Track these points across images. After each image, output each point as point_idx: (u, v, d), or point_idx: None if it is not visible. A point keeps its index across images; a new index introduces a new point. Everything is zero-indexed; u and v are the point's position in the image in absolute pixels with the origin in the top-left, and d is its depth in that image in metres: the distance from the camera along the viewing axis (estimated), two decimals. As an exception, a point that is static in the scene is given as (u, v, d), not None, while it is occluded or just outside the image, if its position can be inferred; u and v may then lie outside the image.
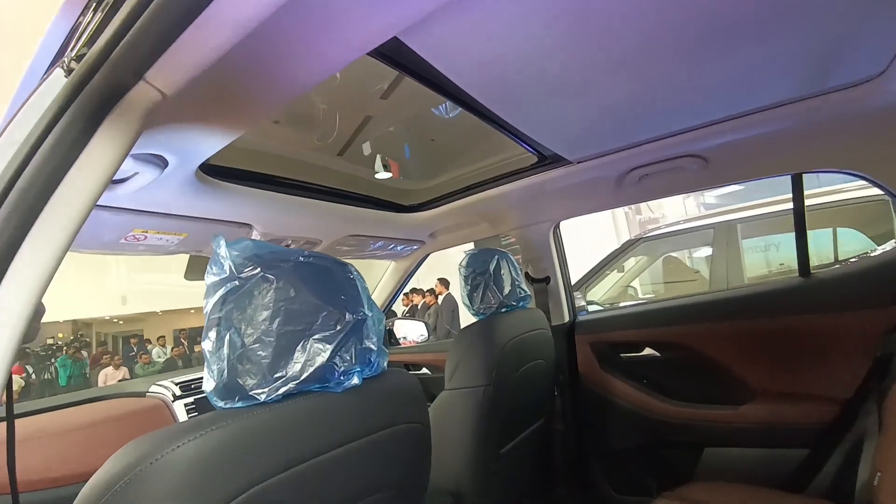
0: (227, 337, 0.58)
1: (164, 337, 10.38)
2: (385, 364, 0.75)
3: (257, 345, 0.58)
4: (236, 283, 0.59)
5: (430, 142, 1.71)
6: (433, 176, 1.72)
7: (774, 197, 3.28)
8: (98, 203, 0.86)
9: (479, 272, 1.41)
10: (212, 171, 1.07)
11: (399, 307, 7.50)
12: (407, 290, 7.58)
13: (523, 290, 1.47)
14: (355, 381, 0.64)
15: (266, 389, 0.57)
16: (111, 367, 8.05)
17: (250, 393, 0.57)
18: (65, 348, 8.28)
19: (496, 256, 1.43)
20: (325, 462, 0.59)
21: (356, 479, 0.63)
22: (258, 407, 0.56)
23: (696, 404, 1.51)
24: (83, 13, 0.50)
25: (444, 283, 6.65)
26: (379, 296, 2.26)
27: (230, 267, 0.60)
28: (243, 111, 0.73)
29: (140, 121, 0.53)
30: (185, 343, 10.35)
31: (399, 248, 1.96)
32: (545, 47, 0.77)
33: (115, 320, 11.70)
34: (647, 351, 1.61)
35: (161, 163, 0.84)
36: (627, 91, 0.97)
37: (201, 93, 0.62)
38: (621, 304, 3.14)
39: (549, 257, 1.76)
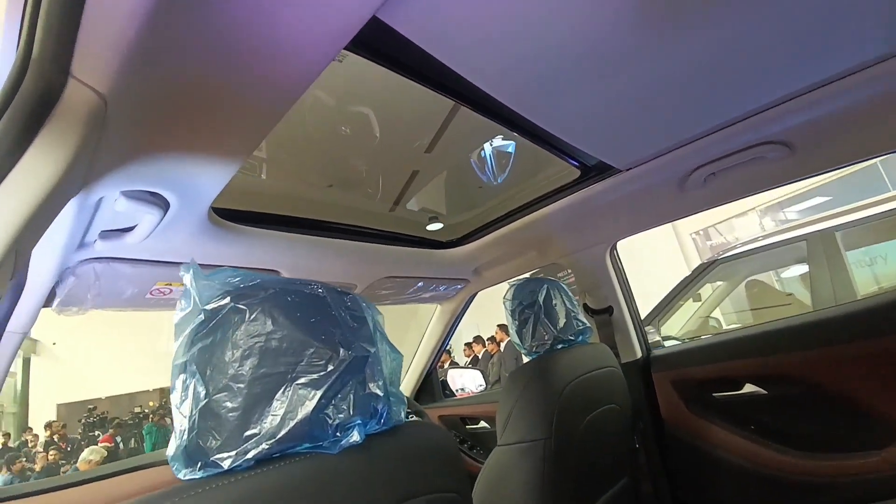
0: (192, 386, 0.47)
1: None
2: (403, 415, 0.60)
3: (223, 394, 0.46)
4: (201, 317, 0.49)
5: (476, 188, 1.62)
6: (471, 206, 1.61)
7: (872, 198, 2.83)
8: (112, 255, 0.82)
9: (527, 304, 1.23)
10: (228, 215, 1.03)
11: (461, 359, 7.27)
12: (469, 339, 7.36)
13: (581, 321, 1.27)
14: (355, 437, 0.50)
15: (233, 454, 0.44)
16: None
17: (212, 458, 0.44)
18: (151, 416, 8.75)
19: (545, 285, 1.26)
20: None
21: None
22: (222, 477, 0.43)
23: (824, 453, 1.18)
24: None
25: (506, 328, 6.37)
26: (427, 343, 2.11)
27: (195, 299, 0.49)
28: (226, 131, 0.67)
29: (82, 129, 0.47)
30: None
31: (442, 288, 1.83)
32: (565, 19, 0.65)
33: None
34: (748, 387, 1.31)
35: (161, 203, 0.79)
36: (677, 65, 0.80)
37: (157, 100, 0.55)
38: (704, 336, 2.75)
39: (609, 284, 1.54)
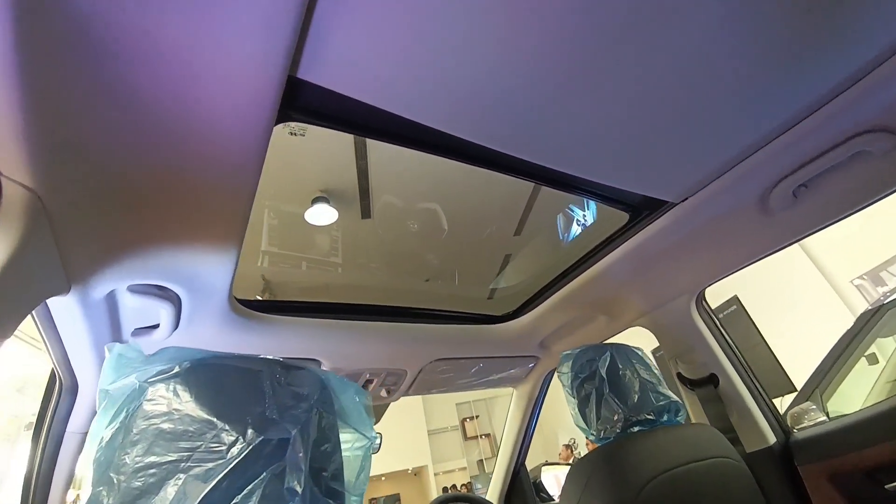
0: (91, 489, 0.42)
1: (356, 508, 10.47)
2: None
3: (101, 488, 0.40)
4: (105, 402, 0.45)
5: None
6: (521, 272, 1.48)
7: None
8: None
9: (586, 377, 1.02)
10: (256, 306, 1.05)
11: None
12: (567, 441, 6.54)
13: (665, 395, 1.00)
14: None
15: None
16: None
17: None
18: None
19: (608, 352, 1.04)
20: None
21: None
22: None
23: None
24: None
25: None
26: (508, 435, 1.86)
27: (103, 381, 0.46)
28: (199, 218, 0.69)
29: (19, 224, 0.50)
30: (375, 513, 10.24)
31: (509, 370, 1.64)
32: (531, 33, 0.56)
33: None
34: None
35: (171, 297, 0.83)
36: (696, 49, 0.63)
37: (106, 193, 0.59)
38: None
39: (704, 344, 1.23)
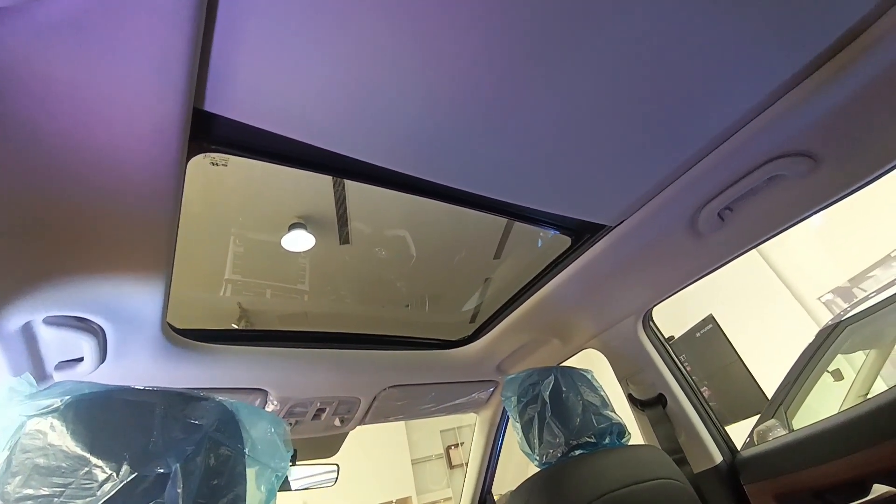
0: None
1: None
2: None
3: None
4: None
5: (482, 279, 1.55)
6: (477, 297, 1.49)
7: None
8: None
9: (529, 401, 1.02)
10: (196, 335, 1.03)
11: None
12: None
13: (606, 417, 1.00)
14: None
15: None
16: (290, 586, 7.87)
17: None
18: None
19: (552, 374, 1.04)
20: None
21: None
22: None
23: None
24: None
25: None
26: (473, 462, 1.83)
27: None
28: (115, 249, 0.68)
29: None
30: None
31: (469, 394, 1.63)
32: (434, 61, 0.58)
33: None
34: (878, 489, 0.88)
35: (93, 328, 0.81)
36: (605, 82, 0.66)
37: (10, 225, 0.58)
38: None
39: (651, 365, 1.25)
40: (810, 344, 2.56)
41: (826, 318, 5.24)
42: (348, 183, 1.26)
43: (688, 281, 1.13)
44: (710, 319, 5.56)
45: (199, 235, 1.29)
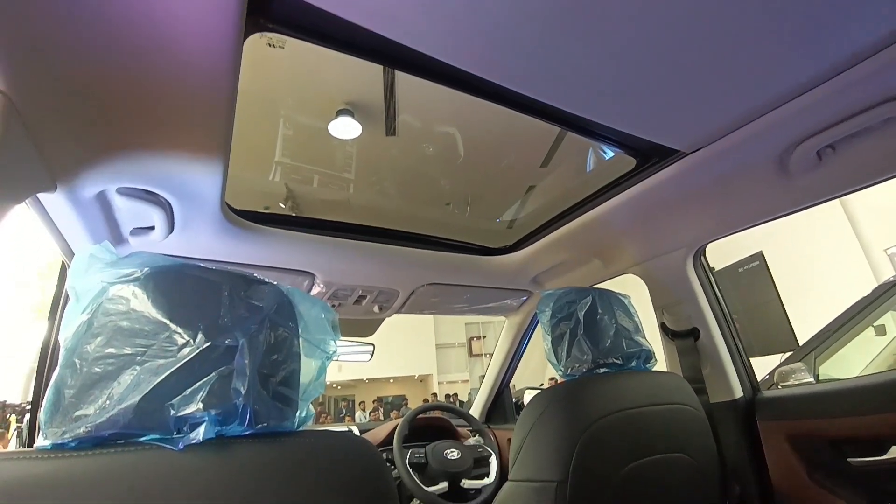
0: (57, 369, 0.47)
1: (364, 402, 11.70)
2: (291, 423, 0.53)
3: (68, 370, 0.45)
4: (74, 297, 0.49)
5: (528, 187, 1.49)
6: (523, 208, 1.46)
7: None
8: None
9: (563, 317, 1.04)
10: (253, 217, 1.08)
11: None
12: (553, 376, 6.80)
13: (637, 342, 1.02)
14: (202, 433, 0.44)
15: (59, 430, 0.43)
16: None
17: (43, 432, 0.43)
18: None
19: (590, 296, 1.05)
20: None
21: None
22: (38, 452, 0.41)
23: None
24: None
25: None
26: (496, 360, 1.97)
27: (71, 279, 0.50)
28: (178, 126, 0.68)
29: None
30: (381, 409, 11.37)
31: (501, 300, 1.68)
32: None
33: (334, 385, 13.83)
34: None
35: (162, 202, 0.86)
36: None
37: (78, 97, 0.59)
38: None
39: (693, 300, 1.22)
40: (863, 298, 2.44)
41: (889, 272, 4.91)
42: (399, 74, 1.19)
43: (758, 221, 1.05)
44: (759, 257, 5.33)
45: (251, 116, 1.28)
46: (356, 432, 1.69)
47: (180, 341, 0.46)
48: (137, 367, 0.45)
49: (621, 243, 1.29)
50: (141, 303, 0.47)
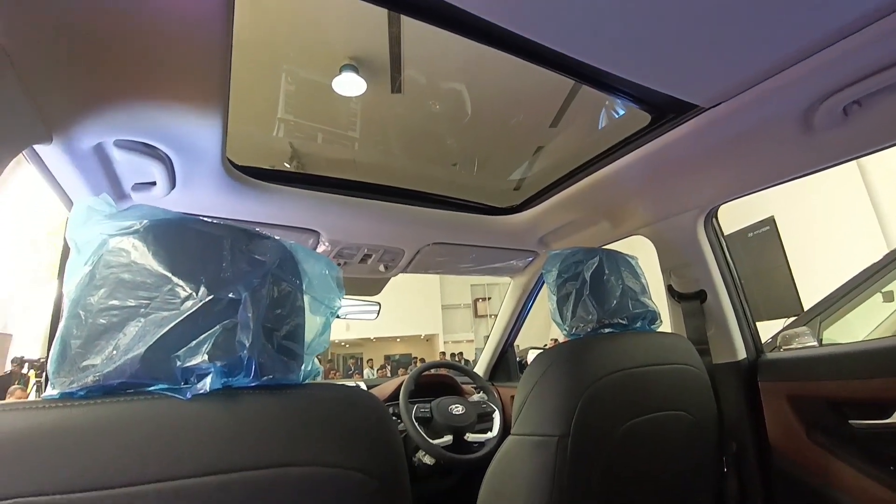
0: (63, 320, 0.47)
1: (371, 360, 12.09)
2: (296, 376, 0.53)
3: (73, 321, 0.45)
4: (75, 249, 0.49)
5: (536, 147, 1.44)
6: (529, 166, 1.42)
7: None
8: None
9: (569, 277, 1.03)
10: (256, 173, 1.06)
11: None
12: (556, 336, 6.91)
13: (643, 304, 1.02)
14: (208, 384, 0.45)
15: (66, 380, 0.43)
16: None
17: (51, 382, 0.44)
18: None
19: (598, 256, 1.03)
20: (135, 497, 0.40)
21: None
22: (47, 401, 0.42)
23: None
24: None
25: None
26: (501, 319, 1.98)
27: (69, 231, 0.49)
28: (173, 76, 0.66)
29: None
30: (389, 367, 11.74)
31: (507, 261, 1.68)
32: None
33: (343, 343, 14.23)
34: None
35: (161, 156, 0.84)
36: None
37: (73, 46, 0.56)
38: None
39: (702, 262, 1.21)
40: (873, 264, 2.40)
41: (901, 234, 4.82)
42: (405, 25, 1.13)
43: (777, 181, 1.01)
44: (770, 222, 5.26)
45: (252, 70, 1.23)
46: (363, 387, 1.74)
47: (183, 294, 0.46)
48: (142, 319, 0.45)
49: (631, 203, 1.26)
50: (141, 255, 0.47)
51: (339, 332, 13.15)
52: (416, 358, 13.54)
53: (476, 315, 14.44)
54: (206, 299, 0.46)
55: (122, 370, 0.43)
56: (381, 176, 1.30)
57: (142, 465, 0.40)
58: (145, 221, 0.49)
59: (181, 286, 0.46)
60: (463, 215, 1.40)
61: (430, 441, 1.40)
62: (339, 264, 1.46)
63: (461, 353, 12.87)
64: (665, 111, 0.95)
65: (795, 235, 5.16)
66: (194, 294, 0.46)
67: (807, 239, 5.32)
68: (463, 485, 1.60)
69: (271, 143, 1.57)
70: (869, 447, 0.95)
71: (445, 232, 1.43)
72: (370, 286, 1.77)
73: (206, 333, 0.46)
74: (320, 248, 1.33)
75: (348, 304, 1.80)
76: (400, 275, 1.66)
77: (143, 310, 0.45)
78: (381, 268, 1.52)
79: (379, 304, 1.82)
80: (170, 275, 0.47)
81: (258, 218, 1.15)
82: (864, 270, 2.42)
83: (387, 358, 13.63)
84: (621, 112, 1.16)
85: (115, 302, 0.45)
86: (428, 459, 1.47)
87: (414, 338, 14.71)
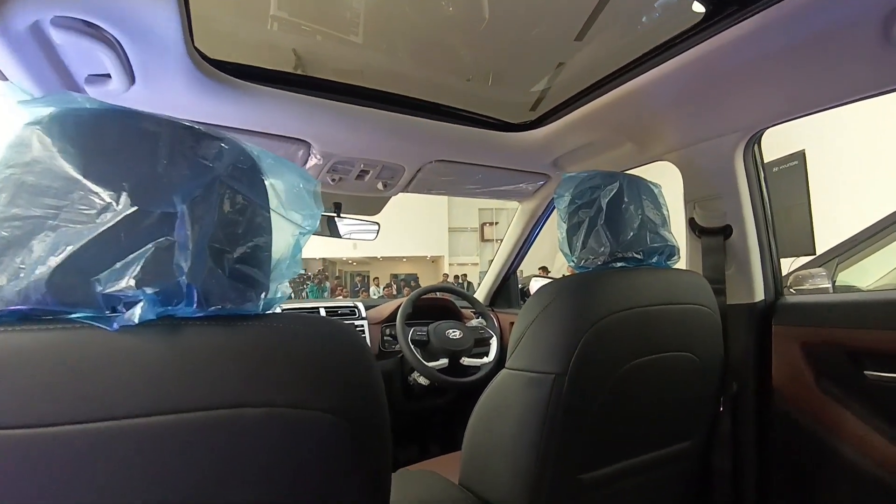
0: None
1: (378, 278, 12.43)
2: (254, 305, 0.46)
3: None
4: None
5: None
6: (539, 78, 1.23)
7: None
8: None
9: (583, 204, 0.92)
10: (237, 71, 0.92)
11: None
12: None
13: (662, 237, 0.92)
14: (138, 313, 0.37)
15: None
16: (341, 297, 10.06)
17: None
18: (312, 278, 10.72)
19: (618, 182, 0.91)
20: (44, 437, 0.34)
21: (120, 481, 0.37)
22: None
23: None
24: None
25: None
26: (506, 245, 1.91)
27: None
28: None
29: None
30: (395, 285, 12.08)
31: (516, 183, 1.55)
32: None
33: (350, 261, 14.54)
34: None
35: (108, 39, 0.70)
36: None
37: None
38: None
39: (734, 194, 1.08)
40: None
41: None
42: None
43: (840, 101, 0.86)
44: (799, 157, 4.94)
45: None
46: (362, 308, 1.72)
47: (98, 203, 0.37)
48: (51, 233, 0.36)
49: (662, 123, 1.10)
50: (46, 152, 0.37)
51: (347, 250, 13.36)
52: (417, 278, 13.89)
53: (482, 239, 14.51)
54: (129, 211, 0.37)
55: (26, 295, 0.35)
56: (384, 83, 1.14)
57: (54, 403, 0.33)
58: (53, 110, 0.38)
59: (96, 193, 0.37)
60: (469, 130, 1.25)
61: (426, 363, 1.39)
62: (333, 181, 1.35)
63: (465, 275, 13.12)
64: (722, 4, 0.78)
65: (822, 174, 4.89)
66: (114, 204, 0.37)
67: (835, 178, 5.05)
68: (458, 403, 1.64)
69: (258, 38, 1.38)
70: (885, 399, 0.90)
71: (450, 148, 1.29)
72: (370, 204, 1.67)
73: (135, 254, 0.37)
74: (312, 162, 1.21)
75: (347, 224, 1.72)
76: (407, 195, 1.56)
77: (50, 221, 0.36)
78: (380, 185, 1.41)
79: (378, 223, 1.73)
80: (80, 178, 0.37)
81: (238, 124, 1.02)
82: (889, 216, 2.28)
83: (393, 277, 13.96)
84: (667, 7, 0.97)
85: (16, 210, 0.36)
86: (423, 380, 1.48)
87: (420, 259, 14.96)
